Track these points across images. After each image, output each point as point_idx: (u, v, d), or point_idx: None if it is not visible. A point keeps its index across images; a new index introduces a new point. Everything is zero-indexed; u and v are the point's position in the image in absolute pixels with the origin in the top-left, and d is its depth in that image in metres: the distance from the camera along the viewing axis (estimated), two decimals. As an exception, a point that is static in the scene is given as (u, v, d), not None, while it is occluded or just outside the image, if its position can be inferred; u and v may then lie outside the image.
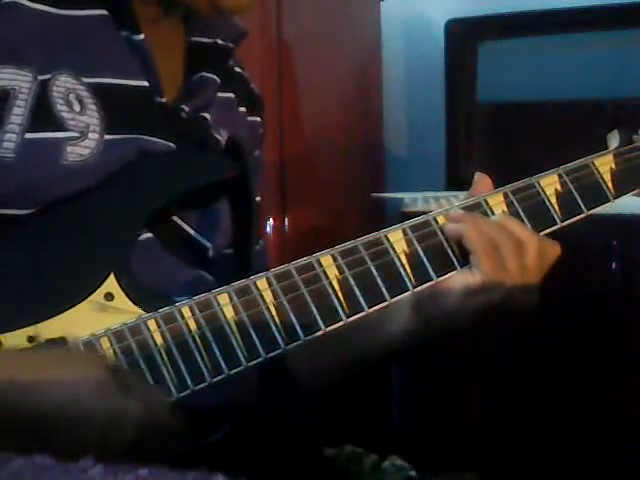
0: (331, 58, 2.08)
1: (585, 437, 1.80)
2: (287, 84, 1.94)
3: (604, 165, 0.97)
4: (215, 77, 0.96)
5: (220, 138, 0.96)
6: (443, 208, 0.90)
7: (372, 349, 0.94)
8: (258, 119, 1.07)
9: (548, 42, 2.14)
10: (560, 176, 0.94)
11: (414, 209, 1.86)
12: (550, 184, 0.93)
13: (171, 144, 0.89)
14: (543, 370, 1.84)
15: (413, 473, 1.01)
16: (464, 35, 2.14)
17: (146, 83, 0.89)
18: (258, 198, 1.04)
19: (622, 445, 1.76)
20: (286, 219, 1.90)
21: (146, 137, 0.87)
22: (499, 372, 1.90)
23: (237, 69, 1.05)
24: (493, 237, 0.87)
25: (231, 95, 1.01)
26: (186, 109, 0.92)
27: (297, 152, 1.96)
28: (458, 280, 0.88)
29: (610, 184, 0.96)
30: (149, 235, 0.87)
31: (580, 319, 1.79)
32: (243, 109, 1.04)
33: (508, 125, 2.13)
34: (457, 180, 2.13)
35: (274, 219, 1.88)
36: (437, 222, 0.88)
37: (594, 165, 0.96)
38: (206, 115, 0.94)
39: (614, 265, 1.73)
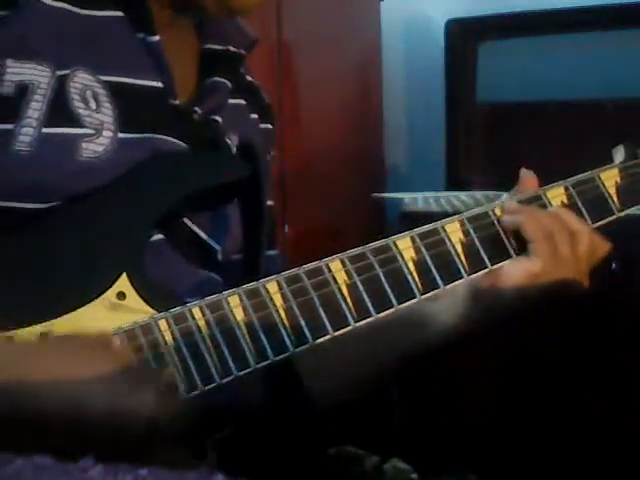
0: (331, 59, 2.08)
1: (585, 437, 1.80)
2: (287, 85, 1.94)
3: (609, 179, 0.98)
4: (227, 82, 0.98)
5: (230, 142, 0.97)
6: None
7: (426, 342, 0.95)
8: (269, 126, 1.08)
9: (548, 42, 2.14)
10: (566, 189, 0.95)
11: (414, 209, 1.86)
12: (556, 196, 0.95)
13: (183, 144, 0.90)
14: (543, 370, 1.84)
15: (414, 476, 1.01)
16: (464, 35, 2.14)
17: (160, 84, 0.90)
18: (270, 202, 1.04)
19: (622, 444, 1.76)
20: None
21: (159, 136, 0.88)
22: (499, 373, 1.90)
23: (248, 77, 1.07)
24: (548, 226, 0.90)
25: (242, 101, 1.02)
26: (198, 111, 0.93)
27: (297, 152, 1.96)
28: (519, 268, 0.90)
29: (615, 198, 0.97)
30: (160, 236, 0.87)
31: (580, 319, 1.79)
32: (255, 116, 1.05)
33: (508, 125, 2.13)
34: (457, 180, 2.13)
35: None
36: (445, 230, 0.89)
37: (600, 179, 0.98)
38: (218, 118, 0.96)
39: (614, 265, 1.73)
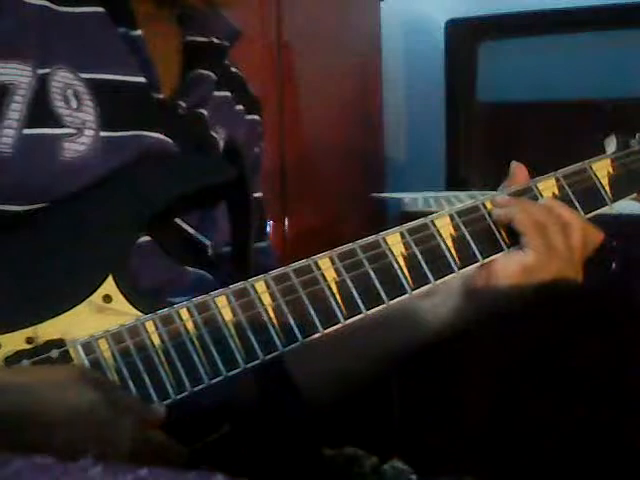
0: (331, 58, 2.08)
1: (584, 438, 1.80)
2: (287, 85, 1.94)
3: (601, 169, 0.98)
4: (211, 74, 0.97)
5: (217, 136, 0.96)
6: (439, 211, 0.91)
7: (421, 339, 0.95)
8: (257, 117, 1.07)
9: (548, 42, 2.14)
10: (557, 180, 0.95)
11: (414, 209, 1.86)
12: (547, 188, 0.94)
13: (169, 140, 0.89)
14: (543, 371, 1.84)
15: (413, 477, 1.00)
16: (464, 35, 2.14)
17: (143, 79, 0.89)
18: (260, 194, 1.04)
19: (621, 445, 1.76)
20: (286, 220, 1.91)
21: (144, 133, 0.87)
22: (499, 374, 1.90)
23: (233, 69, 1.06)
24: (541, 218, 0.90)
25: (227, 94, 1.02)
26: (183, 105, 0.92)
27: (297, 152, 1.96)
28: (513, 261, 0.90)
29: (608, 188, 0.97)
30: (147, 238, 0.87)
31: (580, 319, 1.79)
32: (241, 107, 1.04)
33: (508, 125, 2.13)
34: (457, 180, 2.13)
35: (274, 220, 1.88)
36: (434, 225, 0.89)
37: (592, 169, 0.97)
38: (203, 112, 0.95)
39: (614, 265, 1.73)
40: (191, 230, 0.92)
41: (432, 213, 0.91)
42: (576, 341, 1.82)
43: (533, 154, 1.99)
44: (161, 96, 0.90)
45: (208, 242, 0.94)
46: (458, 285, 0.93)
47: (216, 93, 0.98)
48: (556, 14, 2.06)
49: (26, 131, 0.80)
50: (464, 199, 1.83)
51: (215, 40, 0.99)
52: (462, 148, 2.15)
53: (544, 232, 0.90)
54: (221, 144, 0.97)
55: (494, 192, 0.95)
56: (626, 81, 2.04)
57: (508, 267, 0.90)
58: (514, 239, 0.91)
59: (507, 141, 2.11)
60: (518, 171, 0.96)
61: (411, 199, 1.88)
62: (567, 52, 2.15)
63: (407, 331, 0.95)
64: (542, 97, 2.12)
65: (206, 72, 0.96)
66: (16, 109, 0.80)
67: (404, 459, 1.02)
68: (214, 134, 0.96)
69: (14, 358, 0.75)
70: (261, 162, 1.08)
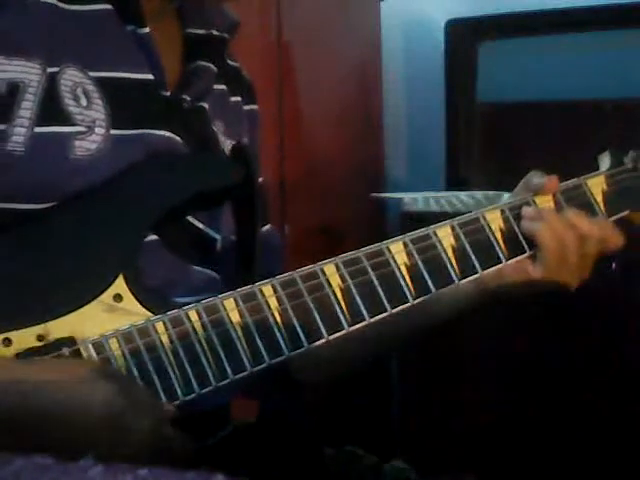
0: (331, 58, 2.08)
1: (584, 438, 1.80)
2: (287, 84, 1.94)
3: (596, 186, 0.99)
4: (211, 66, 0.97)
5: (216, 130, 0.96)
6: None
7: (434, 318, 0.97)
8: (255, 107, 1.07)
9: (548, 42, 2.14)
10: (554, 195, 0.96)
11: (414, 209, 1.86)
12: (544, 202, 0.95)
13: (177, 137, 0.89)
14: (543, 371, 1.84)
15: (413, 475, 1.01)
16: (464, 35, 2.14)
17: (151, 76, 0.89)
18: (262, 179, 1.04)
19: (622, 446, 1.76)
20: (286, 219, 1.90)
21: (152, 131, 0.87)
22: (499, 374, 1.90)
23: (229, 61, 1.06)
24: (563, 237, 0.92)
25: (224, 87, 1.02)
26: (187, 99, 0.92)
27: (297, 153, 1.96)
28: (521, 273, 0.93)
29: (602, 205, 0.98)
30: (153, 237, 0.87)
31: (580, 319, 1.79)
32: (238, 99, 1.04)
33: (508, 125, 2.13)
34: (457, 180, 2.13)
35: (274, 220, 1.88)
36: (436, 235, 0.90)
37: (587, 185, 0.98)
38: (204, 105, 0.95)
39: (614, 265, 1.73)
40: (200, 225, 0.93)
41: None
42: (576, 341, 1.82)
43: (533, 154, 2.00)
44: (168, 93, 0.91)
45: (218, 236, 0.94)
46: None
47: (215, 86, 0.98)
48: (556, 14, 2.06)
49: (37, 129, 0.80)
50: (464, 199, 1.84)
51: (214, 32, 0.99)
52: (462, 148, 2.15)
53: (562, 251, 0.92)
54: (220, 138, 0.97)
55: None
56: (626, 81, 2.03)
57: (515, 276, 0.93)
58: (514, 250, 0.93)
59: (507, 141, 2.11)
60: (550, 181, 0.96)
61: (411, 199, 1.88)
62: (567, 52, 2.15)
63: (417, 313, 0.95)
64: (542, 97, 2.12)
65: (206, 64, 0.96)
66: (27, 107, 0.80)
67: (404, 459, 1.02)
68: (214, 128, 0.96)
69: (25, 355, 0.75)
70: (257, 149, 1.09)
